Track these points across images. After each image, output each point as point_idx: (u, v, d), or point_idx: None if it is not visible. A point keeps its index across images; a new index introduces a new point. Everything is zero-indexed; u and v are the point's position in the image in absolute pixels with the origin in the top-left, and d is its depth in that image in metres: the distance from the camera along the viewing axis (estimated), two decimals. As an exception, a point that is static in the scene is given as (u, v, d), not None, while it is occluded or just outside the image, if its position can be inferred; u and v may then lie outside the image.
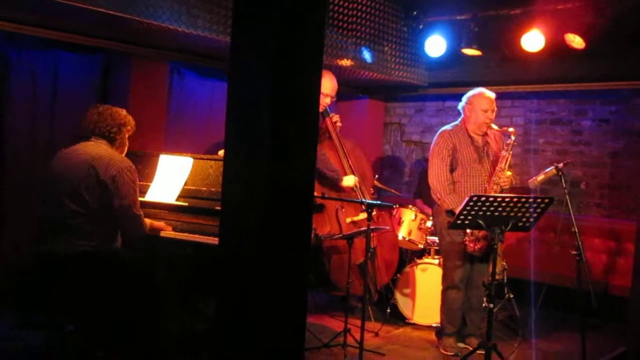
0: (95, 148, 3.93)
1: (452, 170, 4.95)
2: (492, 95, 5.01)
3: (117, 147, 4.07)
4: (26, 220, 4.98)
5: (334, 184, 5.41)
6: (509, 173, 4.86)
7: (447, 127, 5.08)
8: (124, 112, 4.12)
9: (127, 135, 4.12)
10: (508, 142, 4.87)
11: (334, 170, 5.36)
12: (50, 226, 3.83)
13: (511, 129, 4.87)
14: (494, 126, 4.97)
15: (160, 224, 4.26)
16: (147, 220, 4.13)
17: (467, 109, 5.02)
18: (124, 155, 4.09)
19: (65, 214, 3.77)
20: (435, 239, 5.69)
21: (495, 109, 5.01)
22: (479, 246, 4.75)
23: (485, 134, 5.04)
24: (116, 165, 3.84)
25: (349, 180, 5.46)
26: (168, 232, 4.25)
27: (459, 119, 5.09)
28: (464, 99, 5.06)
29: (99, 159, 3.84)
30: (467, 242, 4.77)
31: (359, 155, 5.86)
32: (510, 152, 4.85)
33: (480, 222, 4.15)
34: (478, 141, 5.01)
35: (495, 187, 4.83)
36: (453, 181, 4.94)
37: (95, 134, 4.00)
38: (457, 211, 4.69)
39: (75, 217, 3.76)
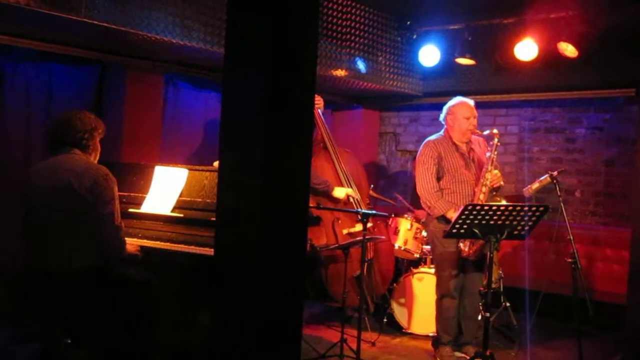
0: (69, 160, 3.78)
1: (439, 179, 5.01)
2: (472, 102, 5.11)
3: (90, 153, 3.91)
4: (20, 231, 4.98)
5: (328, 196, 5.41)
6: (495, 171, 4.89)
7: (432, 137, 5.16)
8: (93, 116, 3.96)
9: (98, 140, 3.96)
10: (491, 142, 4.92)
11: (322, 182, 5.35)
12: (37, 243, 3.78)
13: (495, 131, 4.92)
14: (478, 131, 5.03)
15: (133, 247, 4.13)
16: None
17: (449, 118, 5.09)
18: (96, 160, 3.96)
19: (50, 230, 3.71)
20: (430, 247, 5.70)
21: (477, 115, 5.08)
22: (473, 249, 4.77)
23: (470, 141, 5.11)
24: (91, 175, 3.71)
25: (339, 192, 5.46)
26: (163, 244, 4.25)
27: (442, 130, 5.16)
28: (445, 109, 5.14)
29: (74, 171, 3.70)
30: (461, 247, 4.78)
31: (355, 165, 5.87)
32: (496, 152, 4.89)
33: (476, 231, 4.17)
34: (463, 149, 5.08)
35: (484, 188, 4.85)
36: (442, 188, 4.98)
37: (66, 143, 3.84)
38: (449, 216, 4.74)
39: (60, 233, 3.69)
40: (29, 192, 3.84)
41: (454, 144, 5.06)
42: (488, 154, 4.91)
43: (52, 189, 3.71)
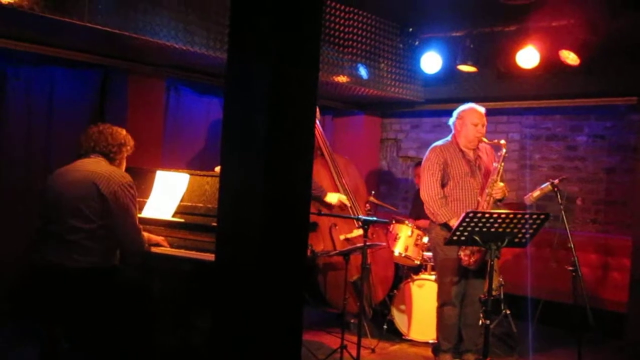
0: (95, 165, 3.92)
1: (444, 185, 4.97)
2: (482, 109, 5.05)
3: (117, 165, 4.06)
4: (22, 233, 4.98)
5: (320, 201, 5.41)
6: (501, 184, 4.87)
7: (439, 142, 5.12)
8: (124, 132, 4.12)
9: (126, 155, 4.12)
10: (499, 154, 4.90)
11: (317, 188, 5.34)
12: (49, 241, 3.81)
13: (502, 142, 4.90)
14: (485, 140, 5.00)
15: (158, 238, 4.26)
16: (145, 234, 4.12)
17: (457, 123, 5.06)
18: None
19: (65, 229, 3.75)
20: (432, 254, 5.69)
21: (486, 123, 5.05)
22: (474, 259, 4.75)
23: (477, 148, 5.08)
24: (117, 181, 3.84)
25: (332, 197, 5.44)
26: (164, 249, 4.25)
27: (450, 135, 5.13)
28: (455, 114, 5.11)
29: (100, 175, 3.83)
30: (462, 256, 4.77)
31: (352, 172, 5.86)
32: (502, 164, 4.87)
33: (476, 238, 4.16)
34: (469, 155, 5.04)
35: (488, 198, 4.83)
36: (446, 195, 4.95)
37: (94, 152, 3.99)
38: (451, 224, 4.72)
39: (75, 232, 3.74)
40: (51, 190, 3.91)
41: (460, 150, 5.02)
42: (495, 164, 4.89)
43: (76, 189, 3.80)
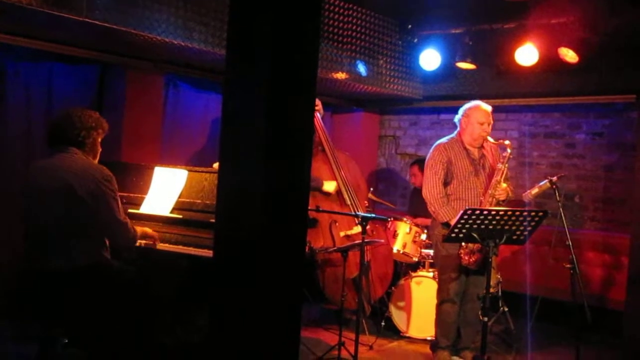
0: (68, 161, 3.74)
1: (447, 183, 4.94)
2: (489, 108, 5.02)
3: (88, 152, 3.85)
4: (20, 232, 4.96)
5: (326, 198, 5.41)
6: (504, 185, 4.86)
7: (443, 140, 5.07)
8: (96, 114, 3.91)
9: (98, 139, 3.90)
10: (504, 154, 4.87)
11: (312, 180, 5.33)
12: (39, 244, 3.76)
13: (507, 142, 4.88)
14: (490, 139, 4.98)
15: (154, 233, 4.22)
16: (139, 228, 4.07)
17: (463, 121, 5.02)
18: (96, 160, 3.91)
19: (49, 230, 3.69)
20: (430, 251, 5.69)
21: (492, 121, 5.02)
22: (473, 259, 4.74)
23: (482, 146, 5.05)
24: (92, 177, 3.69)
25: (330, 186, 5.44)
26: (162, 245, 4.24)
27: (455, 132, 5.09)
28: (461, 111, 5.06)
29: (74, 173, 3.68)
30: (461, 255, 4.76)
31: (352, 168, 5.86)
32: (507, 165, 4.85)
33: (475, 235, 4.16)
34: (474, 154, 5.01)
35: (490, 199, 4.82)
36: (448, 194, 4.93)
37: (65, 142, 3.79)
38: (452, 223, 4.72)
39: (59, 233, 3.67)
40: (27, 191, 3.84)
41: (465, 148, 4.98)
42: (500, 165, 4.86)
43: (51, 189, 3.70)
